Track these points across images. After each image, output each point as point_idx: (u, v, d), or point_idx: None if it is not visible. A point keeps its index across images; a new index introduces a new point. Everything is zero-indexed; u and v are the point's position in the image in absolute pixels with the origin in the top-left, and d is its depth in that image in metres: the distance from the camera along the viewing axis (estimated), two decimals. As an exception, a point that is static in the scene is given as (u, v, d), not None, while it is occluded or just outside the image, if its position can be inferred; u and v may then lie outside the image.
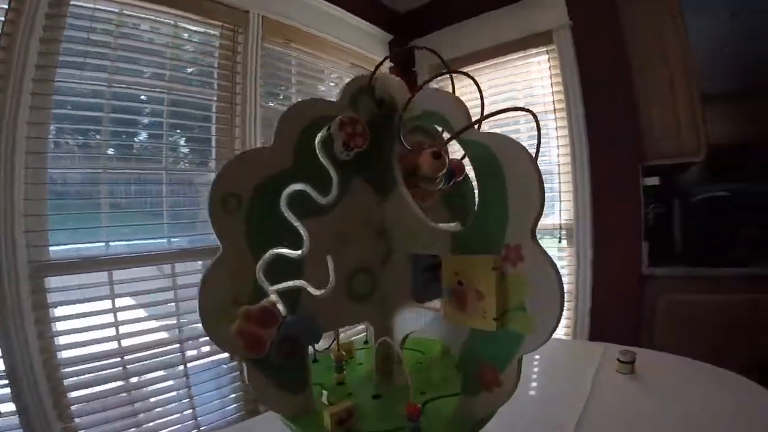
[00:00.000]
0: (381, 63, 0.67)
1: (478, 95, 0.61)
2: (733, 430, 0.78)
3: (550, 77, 2.34)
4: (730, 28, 2.31)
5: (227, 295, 0.51)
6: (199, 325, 1.63)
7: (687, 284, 1.72)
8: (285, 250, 0.54)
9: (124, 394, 1.24)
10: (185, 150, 1.68)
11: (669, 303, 1.78)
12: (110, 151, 1.32)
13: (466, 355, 0.55)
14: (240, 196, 0.53)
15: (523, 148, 0.49)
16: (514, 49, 2.41)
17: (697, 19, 1.70)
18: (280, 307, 0.53)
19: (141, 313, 1.38)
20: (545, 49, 2.32)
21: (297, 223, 0.55)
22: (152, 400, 1.31)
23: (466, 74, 0.60)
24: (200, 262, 1.56)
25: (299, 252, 0.54)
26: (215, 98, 1.68)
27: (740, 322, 1.61)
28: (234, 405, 1.55)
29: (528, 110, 0.53)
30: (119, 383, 1.25)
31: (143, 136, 1.50)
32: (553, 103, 2.33)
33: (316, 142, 0.58)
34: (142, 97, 1.45)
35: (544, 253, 0.47)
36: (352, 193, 0.63)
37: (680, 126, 1.69)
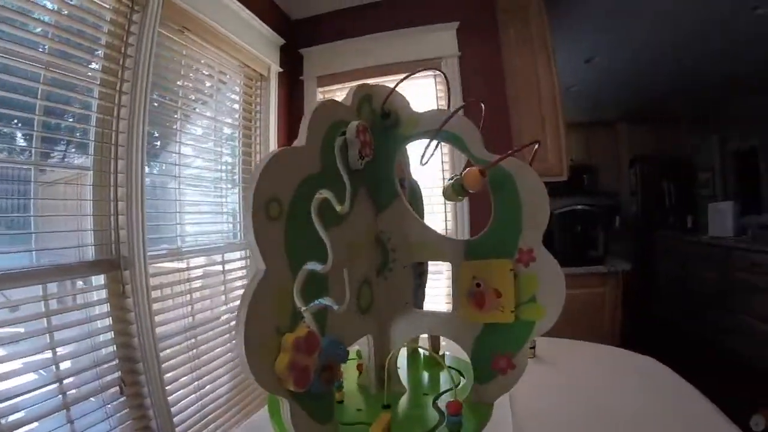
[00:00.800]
0: (402, 80, 0.69)
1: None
2: (620, 382, 1.08)
3: (436, 100, 2.60)
4: (582, 70, 2.97)
5: (270, 323, 0.44)
6: (82, 357, 1.35)
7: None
8: (316, 265, 0.50)
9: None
10: (59, 143, 1.35)
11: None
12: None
13: (478, 348, 0.61)
14: (281, 202, 0.47)
15: (534, 172, 0.59)
16: (401, 71, 2.51)
17: (558, 59, 2.12)
18: (314, 330, 0.48)
19: (11, 348, 1.04)
20: (432, 73, 2.56)
21: (323, 234, 0.53)
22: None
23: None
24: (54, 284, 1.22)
25: (325, 266, 0.51)
26: (98, 82, 1.40)
27: (593, 310, 2.07)
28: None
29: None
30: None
31: (11, 120, 1.14)
32: (437, 123, 2.58)
33: (336, 148, 0.57)
34: (16, 69, 1.11)
35: (550, 254, 0.57)
36: (358, 203, 0.63)
37: (547, 150, 2.08)
